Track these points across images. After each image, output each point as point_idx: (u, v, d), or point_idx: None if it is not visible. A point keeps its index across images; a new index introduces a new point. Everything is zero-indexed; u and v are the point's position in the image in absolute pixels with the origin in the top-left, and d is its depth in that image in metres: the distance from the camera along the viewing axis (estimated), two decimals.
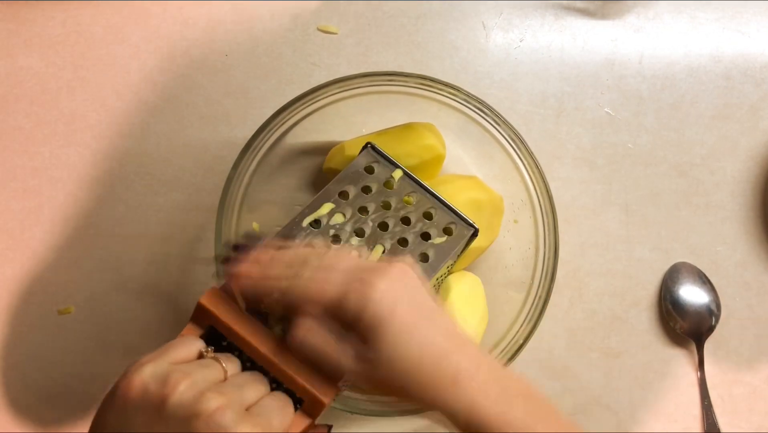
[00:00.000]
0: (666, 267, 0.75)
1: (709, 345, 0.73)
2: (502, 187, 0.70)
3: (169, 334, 0.72)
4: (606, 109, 0.77)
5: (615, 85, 0.78)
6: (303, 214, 0.62)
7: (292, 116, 0.68)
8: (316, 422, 0.49)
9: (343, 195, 0.63)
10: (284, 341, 0.49)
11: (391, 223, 0.62)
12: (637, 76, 0.78)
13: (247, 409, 0.45)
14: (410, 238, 0.62)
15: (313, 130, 0.71)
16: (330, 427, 0.51)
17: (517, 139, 0.68)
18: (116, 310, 0.74)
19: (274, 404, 0.47)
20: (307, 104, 0.68)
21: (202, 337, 0.50)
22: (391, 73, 0.69)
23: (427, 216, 0.63)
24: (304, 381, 0.48)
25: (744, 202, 0.76)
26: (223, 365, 0.47)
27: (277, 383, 0.49)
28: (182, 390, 0.43)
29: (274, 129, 0.68)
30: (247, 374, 0.49)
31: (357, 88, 0.69)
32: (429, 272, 0.62)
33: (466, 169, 0.73)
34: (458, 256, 0.65)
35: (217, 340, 0.50)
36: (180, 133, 0.77)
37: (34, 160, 0.76)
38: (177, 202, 0.75)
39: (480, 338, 0.68)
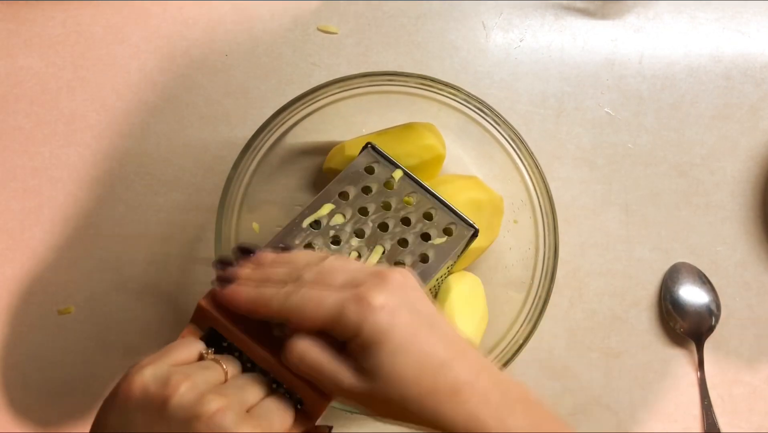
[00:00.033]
0: (666, 267, 0.75)
1: (709, 345, 0.73)
2: (502, 187, 0.70)
3: (169, 334, 0.72)
4: (606, 109, 0.77)
5: (615, 85, 0.78)
6: (303, 215, 0.62)
7: (292, 116, 0.68)
8: (317, 422, 0.49)
9: (343, 195, 0.63)
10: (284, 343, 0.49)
11: (391, 223, 0.62)
12: (637, 76, 0.78)
13: (248, 410, 0.45)
14: (410, 238, 0.62)
15: (313, 130, 0.71)
16: (330, 428, 0.51)
17: (517, 139, 0.68)
18: (116, 310, 0.74)
19: (275, 406, 0.47)
20: (307, 104, 0.68)
21: (202, 338, 0.50)
22: (391, 73, 0.69)
23: (427, 216, 0.63)
24: (304, 382, 0.48)
25: (744, 202, 0.76)
26: (224, 366, 0.47)
27: (277, 384, 0.49)
28: (183, 392, 0.43)
29: (274, 129, 0.68)
30: (248, 376, 0.49)
31: (357, 88, 0.69)
32: (429, 273, 0.62)
33: (466, 169, 0.73)
34: (458, 256, 0.65)
35: (218, 340, 0.50)
36: (180, 133, 0.77)
37: (34, 160, 0.76)
38: (177, 202, 0.75)
39: (480, 338, 0.68)
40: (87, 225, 0.75)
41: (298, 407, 0.49)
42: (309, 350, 0.46)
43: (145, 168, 0.76)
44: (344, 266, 0.48)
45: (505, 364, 0.64)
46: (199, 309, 0.50)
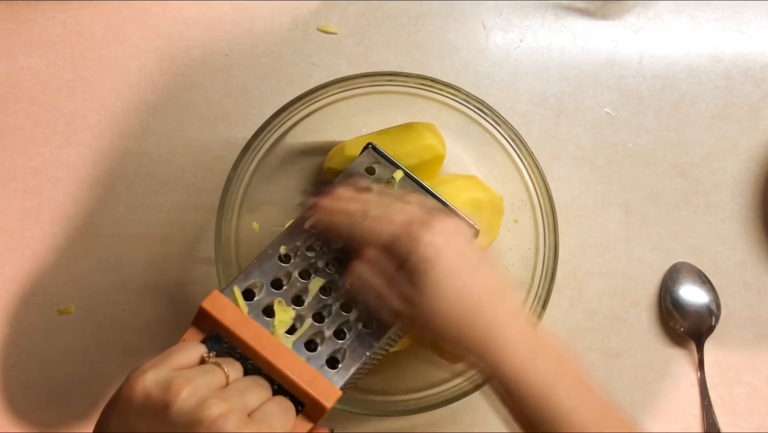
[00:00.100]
0: (666, 267, 0.75)
1: (709, 345, 0.73)
2: (502, 187, 0.70)
3: (169, 334, 0.72)
4: (606, 109, 0.77)
5: (615, 85, 0.78)
6: (305, 216, 0.61)
7: (292, 116, 0.68)
8: (318, 425, 0.49)
9: None
10: (284, 345, 0.50)
11: None
12: (637, 76, 0.78)
13: (250, 414, 0.45)
14: None
15: (313, 131, 0.71)
16: (332, 430, 0.51)
17: (517, 139, 0.68)
18: (116, 310, 0.74)
19: (276, 409, 0.47)
20: (307, 104, 0.68)
21: (203, 341, 0.50)
22: (392, 73, 0.69)
23: None
24: (305, 385, 0.48)
25: (744, 202, 0.76)
26: (225, 370, 0.47)
27: (278, 387, 0.49)
28: (184, 397, 0.43)
29: (274, 129, 0.68)
30: (249, 379, 0.49)
31: (357, 88, 0.69)
32: None
33: (466, 169, 0.73)
34: None
35: (219, 343, 0.50)
36: (180, 133, 0.77)
37: (34, 160, 0.76)
38: (177, 203, 0.75)
39: None
40: (87, 225, 0.75)
41: (299, 409, 0.49)
42: (365, 271, 0.53)
43: (145, 168, 0.76)
44: (404, 207, 0.54)
45: None
46: (201, 312, 0.50)
